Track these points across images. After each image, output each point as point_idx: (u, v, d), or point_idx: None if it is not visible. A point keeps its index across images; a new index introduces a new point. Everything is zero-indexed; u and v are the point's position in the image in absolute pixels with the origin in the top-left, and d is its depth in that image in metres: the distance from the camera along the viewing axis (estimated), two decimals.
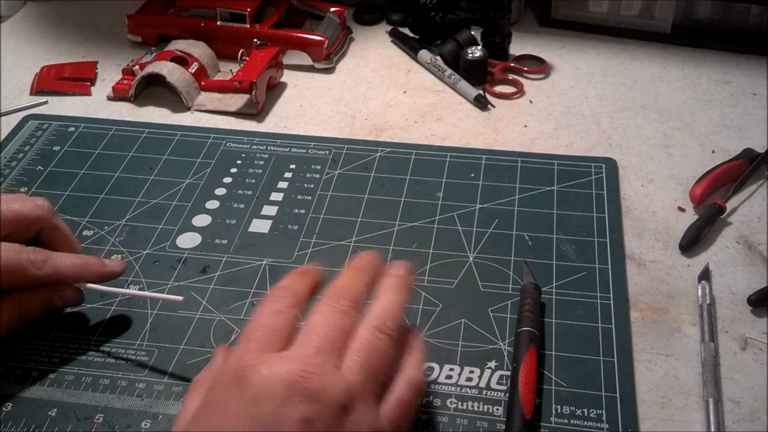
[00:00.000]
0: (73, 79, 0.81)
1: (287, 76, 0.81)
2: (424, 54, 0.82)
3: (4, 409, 0.50)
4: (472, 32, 0.81)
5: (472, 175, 0.67)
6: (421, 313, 0.55)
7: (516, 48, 0.83)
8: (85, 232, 0.63)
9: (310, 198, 0.65)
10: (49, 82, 0.80)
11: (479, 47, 0.79)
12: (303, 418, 0.38)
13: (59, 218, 0.55)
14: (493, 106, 0.76)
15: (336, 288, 0.45)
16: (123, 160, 0.70)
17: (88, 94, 0.79)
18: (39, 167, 0.69)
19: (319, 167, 0.68)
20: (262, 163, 0.69)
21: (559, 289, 0.57)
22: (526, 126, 0.73)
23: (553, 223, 0.62)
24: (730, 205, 0.63)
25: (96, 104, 0.78)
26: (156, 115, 0.76)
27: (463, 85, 0.77)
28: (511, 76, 0.80)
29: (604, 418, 0.48)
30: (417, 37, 0.85)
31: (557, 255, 0.59)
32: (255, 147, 0.71)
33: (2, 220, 0.51)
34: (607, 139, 0.71)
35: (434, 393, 0.50)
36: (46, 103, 0.78)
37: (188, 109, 0.77)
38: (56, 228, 0.54)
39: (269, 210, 0.64)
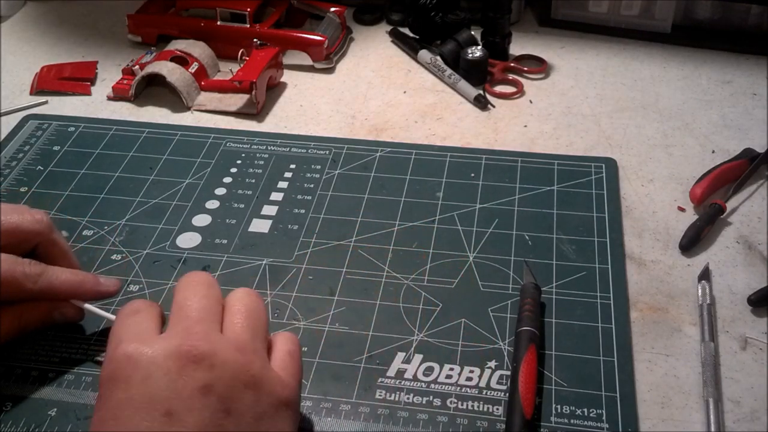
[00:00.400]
0: (73, 79, 0.81)
1: (287, 76, 0.81)
2: (424, 54, 0.82)
3: (3, 408, 0.50)
4: (472, 32, 0.81)
5: (472, 175, 0.67)
6: (421, 313, 0.55)
7: (516, 48, 0.83)
8: (85, 232, 0.63)
9: (310, 198, 0.65)
10: (49, 82, 0.80)
11: (479, 47, 0.79)
12: (203, 386, 0.38)
13: (58, 233, 0.54)
14: (493, 106, 0.76)
15: (187, 274, 0.46)
16: (123, 160, 0.70)
17: (88, 94, 0.79)
18: (39, 167, 0.69)
19: (319, 167, 0.68)
20: (262, 163, 0.69)
21: (559, 289, 0.57)
22: (526, 126, 0.73)
23: (553, 223, 0.62)
24: (730, 205, 0.63)
25: (96, 104, 0.78)
26: (156, 115, 0.76)
27: (463, 85, 0.77)
28: (511, 76, 0.80)
29: (604, 417, 0.48)
30: (417, 37, 0.85)
31: (557, 255, 0.59)
32: (255, 147, 0.71)
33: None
34: (607, 139, 0.71)
35: (434, 393, 0.50)
36: (46, 103, 0.78)
37: (188, 109, 0.77)
38: (54, 243, 0.53)
39: (269, 210, 0.64)
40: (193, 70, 0.78)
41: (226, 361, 0.39)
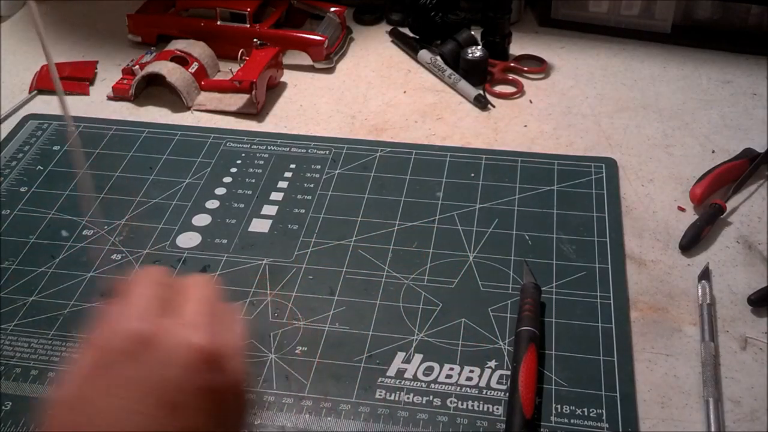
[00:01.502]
0: (72, 78, 0.81)
1: (287, 76, 0.81)
2: (424, 54, 0.82)
3: (3, 408, 0.50)
4: (472, 32, 0.81)
5: (472, 174, 0.67)
6: (421, 313, 0.55)
7: (516, 48, 0.83)
8: (85, 232, 0.63)
9: (310, 198, 0.65)
10: (49, 82, 0.80)
11: (479, 47, 0.79)
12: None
13: None
14: (493, 106, 0.76)
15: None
16: (123, 159, 0.70)
17: (87, 93, 0.79)
18: (39, 167, 0.69)
19: (319, 167, 0.68)
20: (262, 162, 0.69)
21: (559, 289, 0.57)
22: (526, 126, 0.73)
23: (553, 223, 0.62)
24: (730, 205, 0.63)
25: (96, 104, 0.78)
26: (156, 114, 0.76)
27: (463, 85, 0.77)
28: (511, 76, 0.79)
29: (604, 417, 0.48)
30: (417, 37, 0.84)
31: (557, 255, 0.59)
32: (255, 147, 0.71)
33: None
34: (607, 139, 0.71)
35: (434, 392, 0.50)
36: (37, 94, 0.78)
37: (188, 108, 0.77)
38: None
39: (269, 210, 0.64)
40: (193, 70, 0.78)
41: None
